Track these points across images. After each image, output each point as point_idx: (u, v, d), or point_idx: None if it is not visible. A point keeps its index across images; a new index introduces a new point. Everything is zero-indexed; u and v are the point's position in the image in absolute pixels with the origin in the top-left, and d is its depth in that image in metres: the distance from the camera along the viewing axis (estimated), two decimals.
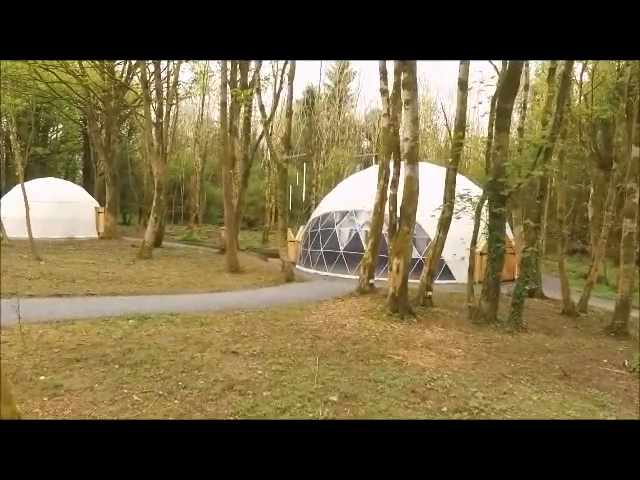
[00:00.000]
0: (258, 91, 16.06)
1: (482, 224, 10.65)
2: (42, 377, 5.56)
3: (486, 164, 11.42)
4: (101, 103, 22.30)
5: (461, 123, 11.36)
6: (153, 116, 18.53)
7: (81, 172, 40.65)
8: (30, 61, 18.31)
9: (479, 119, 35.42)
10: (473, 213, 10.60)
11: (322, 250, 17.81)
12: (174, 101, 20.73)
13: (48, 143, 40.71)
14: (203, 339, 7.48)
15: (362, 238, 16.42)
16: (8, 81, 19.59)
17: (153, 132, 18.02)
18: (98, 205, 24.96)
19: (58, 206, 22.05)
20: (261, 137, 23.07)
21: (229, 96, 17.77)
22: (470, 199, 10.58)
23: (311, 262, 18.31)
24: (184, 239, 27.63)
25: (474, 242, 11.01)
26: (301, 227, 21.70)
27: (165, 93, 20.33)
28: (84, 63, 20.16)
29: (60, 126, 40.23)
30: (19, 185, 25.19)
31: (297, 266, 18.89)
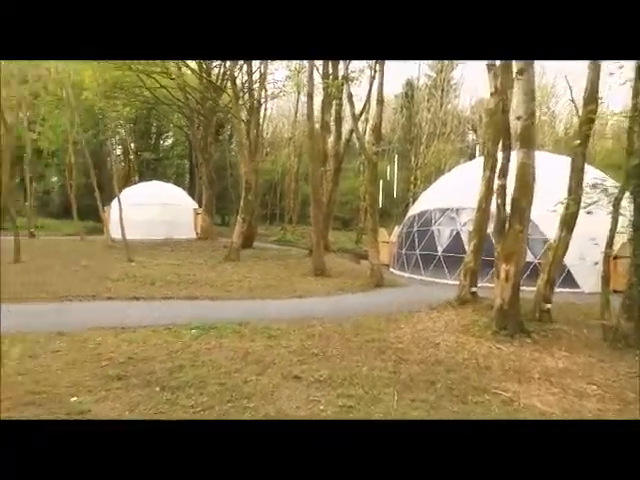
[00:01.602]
0: (347, 80, 14.86)
1: (622, 220, 8.31)
2: (74, 398, 4.89)
3: (628, 144, 8.96)
4: (200, 106, 22.80)
5: (592, 94, 8.99)
6: (245, 115, 18.27)
7: (188, 176, 42.93)
8: (133, 67, 19.10)
9: (608, 94, 30.41)
10: (609, 207, 8.31)
11: (418, 252, 16.07)
12: (263, 99, 20.41)
13: (160, 149, 43.74)
14: (265, 357, 6.42)
15: (464, 239, 14.41)
16: (117, 89, 20.76)
17: (244, 130, 17.75)
18: (197, 207, 25.71)
19: (161, 208, 22.97)
20: (353, 131, 21.81)
21: (318, 89, 16.80)
22: (606, 189, 8.31)
23: (406, 265, 16.65)
24: (278, 240, 27.47)
25: (610, 243, 8.66)
26: (396, 227, 20.10)
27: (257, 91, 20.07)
28: (181, 66, 20.67)
29: (171, 133, 43.00)
30: (127, 189, 26.90)
31: (391, 269, 17.37)
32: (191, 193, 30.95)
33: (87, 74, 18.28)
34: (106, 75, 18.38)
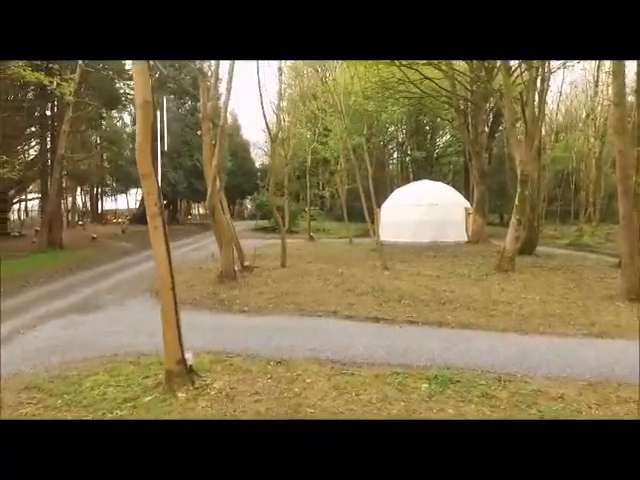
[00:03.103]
0: None
1: None
2: None
3: None
4: (469, 93, 20.21)
5: None
6: (521, 92, 14.80)
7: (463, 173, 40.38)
8: (397, 62, 18.07)
9: None
10: None
11: None
12: (548, 71, 16.21)
13: (436, 147, 42.65)
14: None
15: None
16: (382, 89, 20.26)
17: (518, 110, 14.37)
18: (469, 206, 23.11)
19: (425, 209, 21.40)
20: None
21: None
22: None
23: None
24: (571, 244, 22.06)
25: None
26: None
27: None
28: None
29: (447, 129, 41.30)
30: (396, 190, 26.47)
31: None
32: (467, 192, 28.46)
33: (352, 78, 18.25)
34: (370, 76, 17.98)
